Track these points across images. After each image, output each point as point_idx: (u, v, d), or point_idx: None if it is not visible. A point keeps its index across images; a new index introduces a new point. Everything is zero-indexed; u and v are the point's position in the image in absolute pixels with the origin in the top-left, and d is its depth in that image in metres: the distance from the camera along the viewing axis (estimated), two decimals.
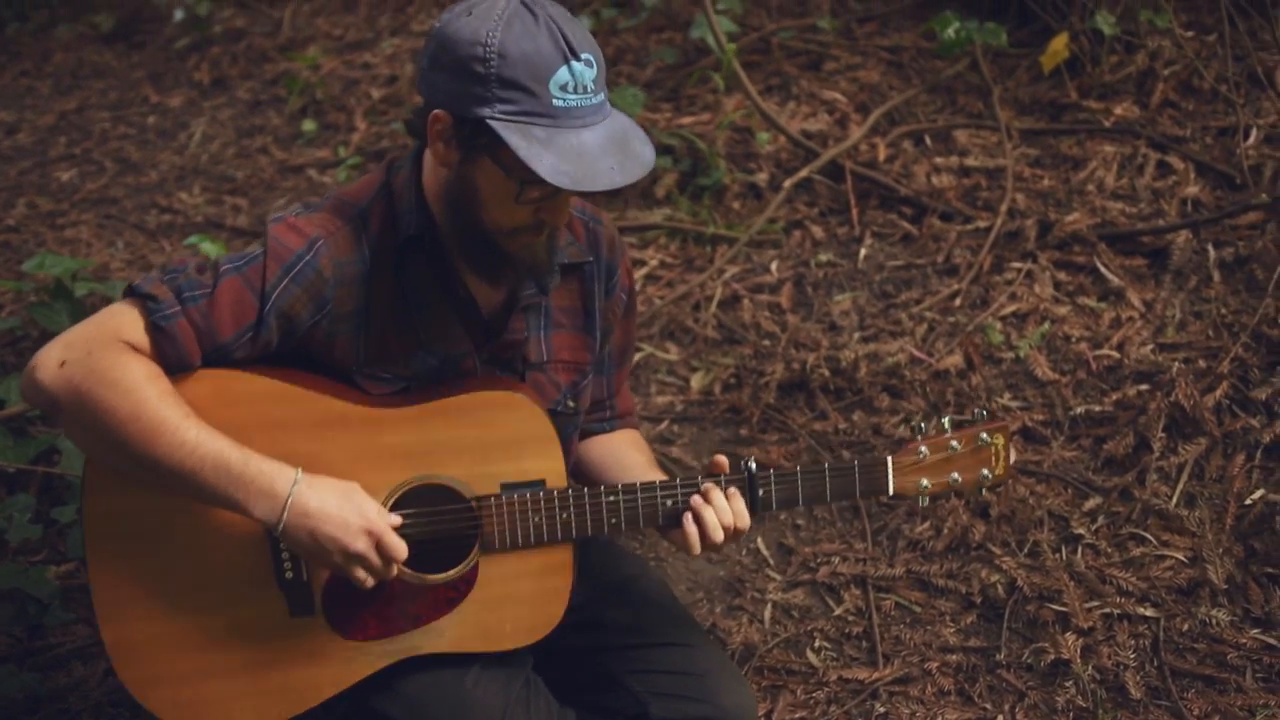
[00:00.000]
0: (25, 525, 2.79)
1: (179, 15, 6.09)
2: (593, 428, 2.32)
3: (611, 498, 2.02)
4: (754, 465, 2.06)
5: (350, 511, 1.87)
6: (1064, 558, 2.90)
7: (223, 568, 1.96)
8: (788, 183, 4.04)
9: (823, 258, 3.89)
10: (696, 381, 3.59)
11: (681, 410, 3.54)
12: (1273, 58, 3.96)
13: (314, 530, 1.86)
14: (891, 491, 2.13)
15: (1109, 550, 2.89)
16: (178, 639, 1.97)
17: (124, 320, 1.87)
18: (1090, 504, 3.00)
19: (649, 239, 4.13)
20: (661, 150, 4.37)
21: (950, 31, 4.24)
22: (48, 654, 2.77)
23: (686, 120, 4.52)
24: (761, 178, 4.22)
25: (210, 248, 4.06)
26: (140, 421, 1.81)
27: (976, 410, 2.25)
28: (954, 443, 2.16)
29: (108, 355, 1.83)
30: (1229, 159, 3.78)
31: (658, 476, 2.18)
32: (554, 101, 1.78)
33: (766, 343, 3.63)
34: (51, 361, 1.83)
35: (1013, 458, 2.24)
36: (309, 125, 5.20)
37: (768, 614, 2.93)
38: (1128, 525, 2.93)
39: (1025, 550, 2.94)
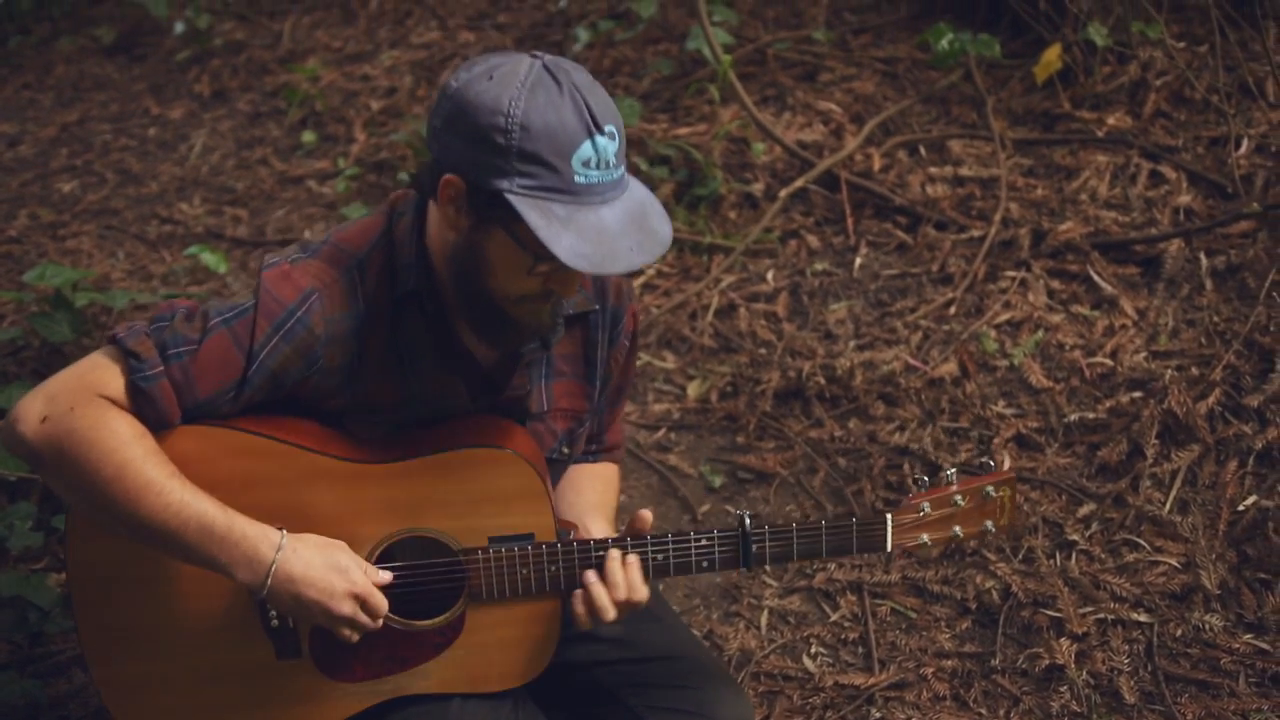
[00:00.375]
0: (26, 533, 2.81)
1: (180, 28, 6.12)
2: (577, 459, 2.28)
3: (600, 552, 1.99)
4: (749, 520, 2.02)
5: (335, 575, 1.86)
6: (1058, 564, 2.92)
7: (209, 614, 1.96)
8: (783, 192, 4.08)
9: (818, 267, 3.92)
10: (693, 390, 3.62)
11: (679, 418, 3.56)
12: (1263, 68, 3.99)
13: (298, 595, 1.84)
14: (890, 549, 2.08)
15: (1103, 556, 2.91)
16: (166, 678, 1.98)
17: (105, 375, 1.83)
18: (1084, 510, 3.02)
19: None
20: (658, 161, 4.40)
21: (944, 43, 4.27)
22: (48, 661, 2.79)
23: (683, 131, 4.55)
24: (757, 188, 4.25)
25: (210, 258, 4.09)
26: (124, 481, 1.78)
27: (984, 460, 2.19)
28: (958, 497, 2.09)
29: (90, 413, 1.79)
30: (1220, 168, 3.81)
31: (597, 519, 2.16)
32: (576, 178, 1.69)
33: (763, 351, 3.66)
34: (33, 416, 1.79)
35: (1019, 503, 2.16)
36: (309, 136, 5.23)
37: (764, 620, 2.95)
38: (1121, 531, 2.96)
39: (1020, 556, 2.96)
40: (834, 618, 2.93)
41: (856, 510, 3.15)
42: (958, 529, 2.11)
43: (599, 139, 1.69)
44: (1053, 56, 4.13)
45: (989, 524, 2.13)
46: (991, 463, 3.06)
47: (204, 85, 5.84)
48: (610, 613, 1.96)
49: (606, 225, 1.71)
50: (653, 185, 4.34)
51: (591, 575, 1.97)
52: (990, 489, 2.11)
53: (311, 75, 5.55)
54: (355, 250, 1.94)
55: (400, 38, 5.77)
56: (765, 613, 2.96)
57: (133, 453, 1.79)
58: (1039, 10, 4.34)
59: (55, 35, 6.66)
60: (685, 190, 4.32)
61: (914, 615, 2.90)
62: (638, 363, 3.68)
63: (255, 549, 1.82)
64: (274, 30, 6.13)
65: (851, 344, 3.62)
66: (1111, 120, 4.08)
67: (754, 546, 2.03)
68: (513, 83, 1.71)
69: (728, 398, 3.57)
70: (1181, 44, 4.23)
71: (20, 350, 3.77)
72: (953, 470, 2.13)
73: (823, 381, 3.47)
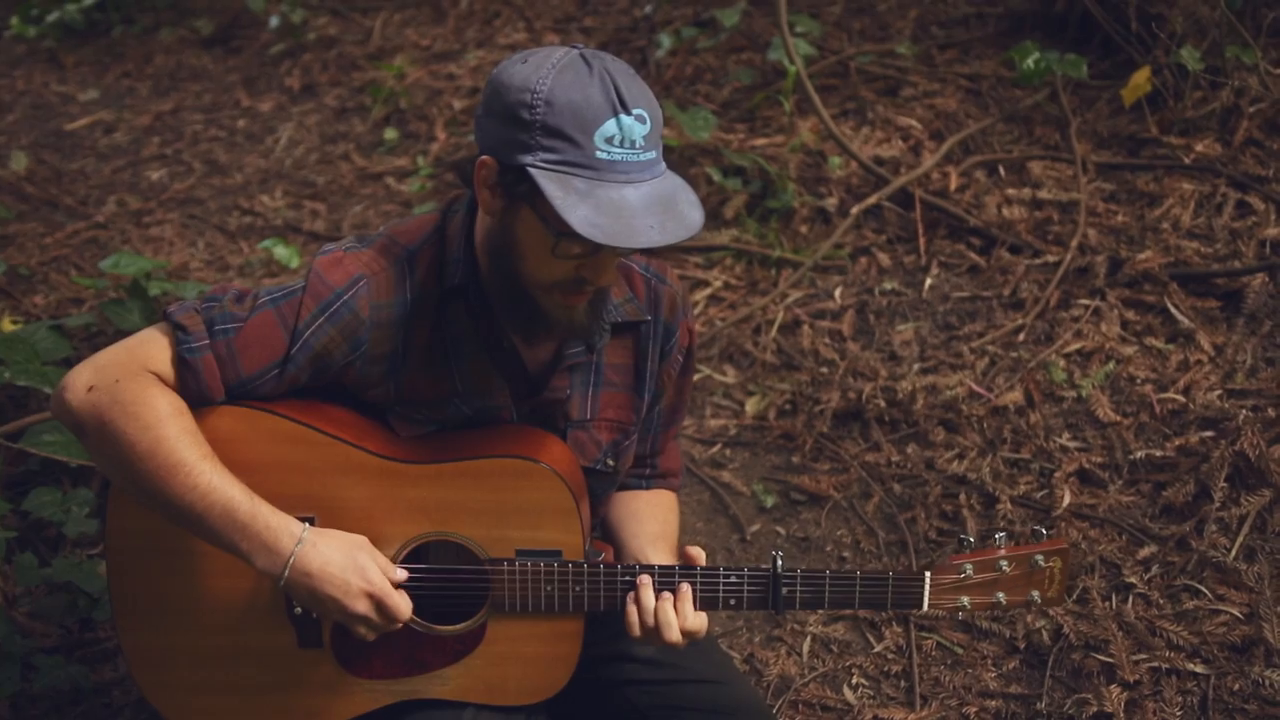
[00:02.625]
0: (83, 519, 2.87)
1: (275, 22, 6.22)
2: (629, 482, 2.28)
3: (627, 578, 1.99)
4: (780, 562, 1.99)
5: (352, 573, 1.87)
6: (1114, 606, 2.83)
7: (236, 595, 1.99)
8: (855, 209, 4.01)
9: (887, 286, 3.86)
10: (751, 406, 3.58)
11: (735, 434, 3.52)
12: None
13: (315, 590, 1.87)
14: (925, 609, 2.02)
15: (1161, 601, 2.82)
16: (190, 652, 2.01)
17: (153, 349, 1.88)
18: (1145, 552, 2.93)
19: (715, 260, 4.13)
20: (732, 172, 4.36)
21: (1030, 62, 4.17)
22: (96, 648, 2.85)
23: (760, 141, 4.50)
24: (831, 202, 4.19)
25: (283, 252, 4.15)
26: (156, 459, 1.81)
27: (1036, 528, 2.08)
28: (1004, 563, 2.00)
29: (133, 386, 1.83)
30: None
31: (662, 549, 2.14)
32: (598, 153, 1.72)
33: (824, 370, 3.61)
34: (80, 385, 1.84)
35: (1068, 582, 2.04)
36: (391, 134, 5.28)
37: (806, 647, 2.90)
38: (1182, 576, 2.86)
39: (1074, 596, 2.88)
40: (878, 649, 2.87)
41: (909, 540, 3.09)
42: (1001, 596, 2.03)
43: (624, 118, 1.71)
44: (1141, 79, 4.01)
45: (1035, 594, 2.03)
46: (1051, 497, 3.02)
47: (294, 79, 5.93)
48: (674, 633, 1.96)
49: (628, 202, 1.72)
50: (725, 196, 4.32)
51: (667, 596, 1.97)
52: (1039, 558, 2.01)
53: (398, 73, 5.61)
54: (407, 243, 1.98)
55: (487, 38, 5.80)
56: (808, 639, 2.92)
57: (168, 430, 1.83)
58: (1131, 31, 4.22)
59: (157, 26, 6.82)
60: (758, 202, 4.28)
61: (960, 651, 2.83)
62: (696, 376, 3.68)
63: (276, 540, 1.85)
64: (365, 26, 6.21)
65: (915, 367, 3.55)
66: (1200, 147, 3.95)
67: (784, 589, 2.00)
68: (545, 65, 1.75)
69: (786, 416, 3.53)
70: (1279, 70, 4.08)
71: (95, 336, 3.86)
72: (1002, 534, 2.04)
73: (883, 404, 3.40)
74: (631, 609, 1.98)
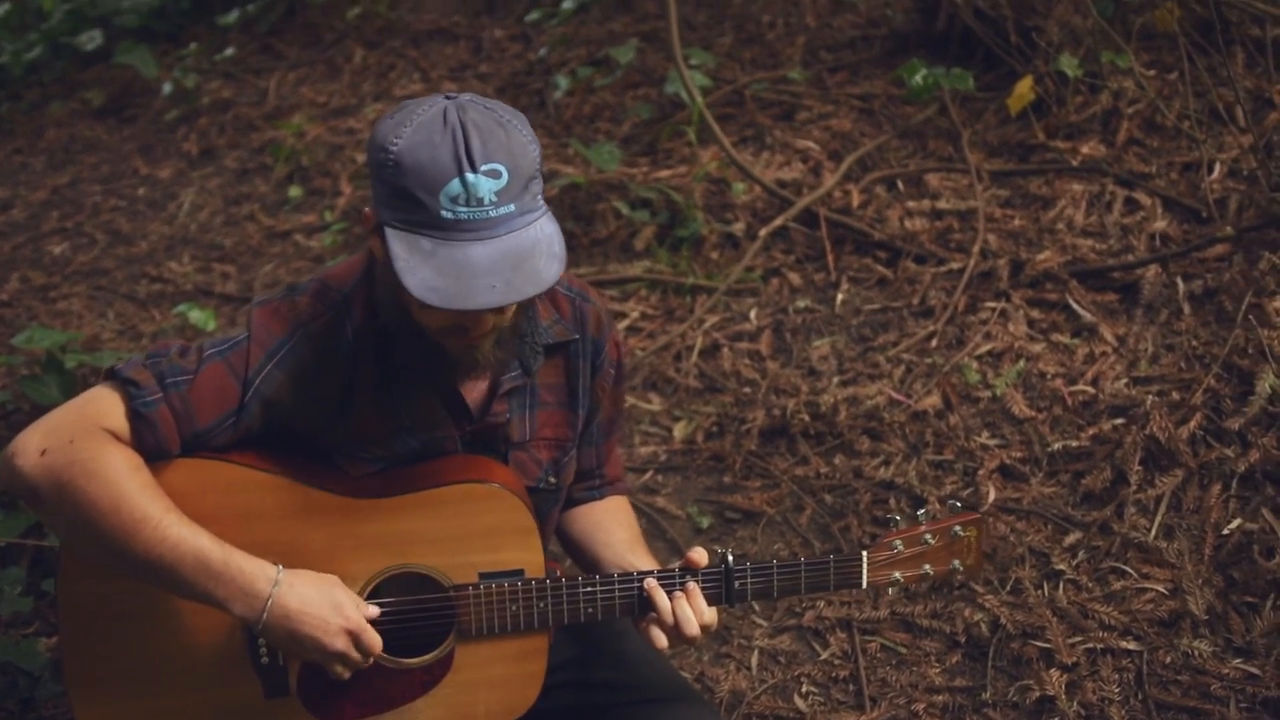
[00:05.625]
0: (16, 598, 2.83)
1: (168, 88, 6.18)
2: (582, 496, 2.32)
3: (589, 588, 2.03)
4: (731, 558, 2.07)
5: (329, 610, 1.89)
6: (1046, 594, 2.93)
7: (198, 651, 1.98)
8: (763, 231, 4.11)
9: (800, 304, 3.95)
10: (679, 431, 3.64)
11: (665, 460, 3.58)
12: (1232, 93, 4.02)
13: (293, 631, 1.88)
14: (864, 585, 2.15)
15: (1090, 585, 2.92)
16: (152, 718, 1.99)
17: (105, 406, 1.88)
18: (1070, 539, 3.03)
19: (629, 291, 4.20)
20: (639, 204, 4.44)
21: (918, 78, 4.32)
22: None
23: (664, 173, 4.59)
24: (738, 227, 4.29)
25: (198, 315, 4.14)
26: (121, 514, 1.81)
27: (951, 501, 2.26)
28: (928, 536, 2.17)
29: (90, 444, 1.83)
30: (1194, 193, 3.85)
31: (639, 552, 2.20)
32: (443, 213, 1.74)
33: (747, 390, 3.68)
34: (31, 449, 1.83)
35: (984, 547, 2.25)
36: (295, 191, 5.28)
37: (755, 660, 2.95)
38: (1108, 559, 2.97)
39: (1008, 588, 2.97)
40: (824, 656, 2.93)
41: (844, 547, 3.16)
42: (928, 567, 2.19)
43: (470, 176, 1.74)
44: (1025, 89, 4.17)
45: (956, 563, 2.21)
46: (976, 495, 3.12)
47: (192, 144, 5.89)
48: (693, 627, 2.01)
49: (472, 262, 1.74)
50: (635, 228, 4.39)
51: (680, 596, 2.02)
52: (958, 528, 2.20)
53: (297, 130, 5.61)
54: (341, 286, 2.01)
55: (384, 90, 5.83)
56: (756, 653, 2.97)
57: (130, 485, 1.83)
58: (1010, 44, 4.39)
59: (46, 100, 6.73)
60: (667, 232, 4.36)
61: (904, 651, 2.90)
62: (625, 404, 3.73)
63: (252, 584, 1.86)
64: (260, 87, 6.20)
65: (835, 380, 3.64)
66: (1085, 149, 4.12)
67: (737, 583, 2.08)
68: (406, 120, 1.79)
69: (713, 438, 3.59)
70: (1152, 72, 4.28)
71: (10, 414, 3.80)
72: (924, 511, 2.20)
73: (807, 419, 3.48)
74: (653, 613, 2.03)
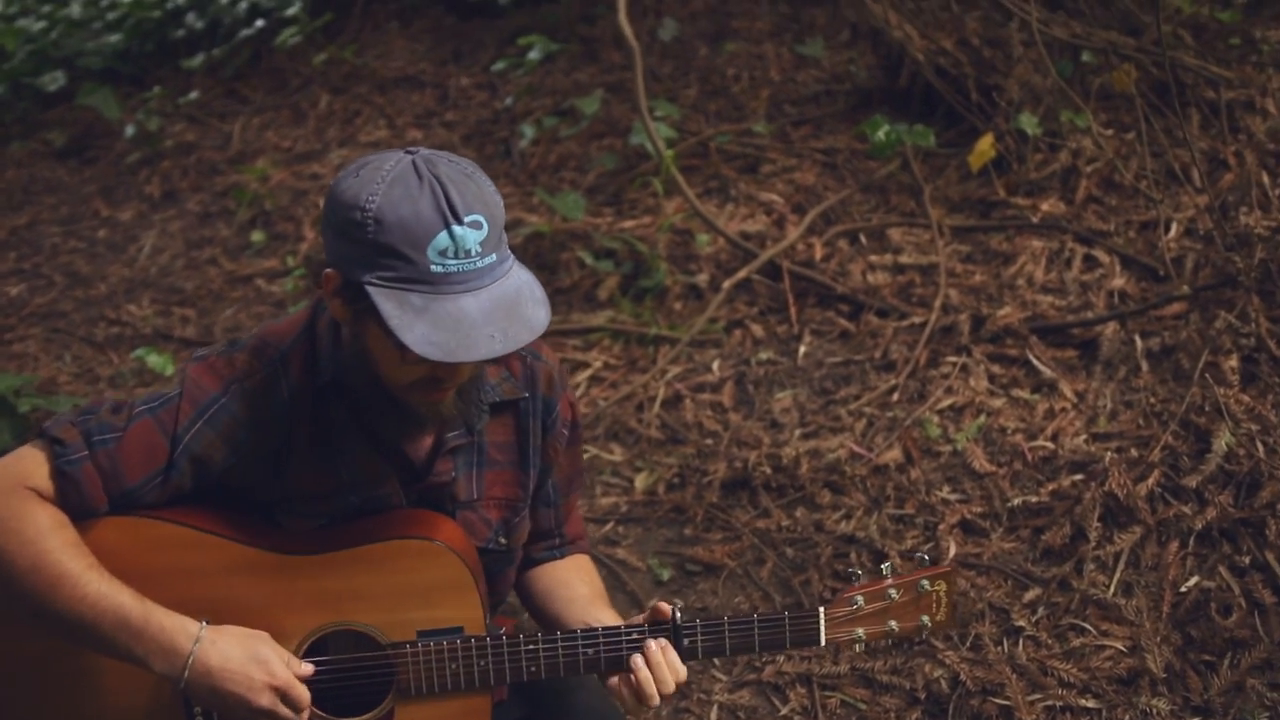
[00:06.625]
0: None
1: (130, 131, 6.15)
2: (542, 556, 2.29)
3: (530, 647, 1.99)
4: (679, 614, 2.02)
5: (254, 666, 1.86)
6: (1006, 650, 2.93)
7: (130, 708, 1.95)
8: (727, 283, 4.13)
9: (763, 356, 3.96)
10: (640, 482, 3.62)
11: (626, 511, 3.56)
12: (1188, 153, 4.09)
13: (216, 688, 1.85)
14: (823, 643, 2.08)
15: (1050, 642, 2.92)
16: None
17: (29, 464, 1.86)
18: (1030, 595, 3.04)
19: (593, 341, 4.19)
20: (603, 254, 4.45)
21: (881, 134, 4.36)
22: None
23: (628, 224, 4.61)
24: (702, 278, 4.30)
25: (156, 360, 4.10)
26: (40, 573, 1.79)
27: (919, 554, 2.19)
28: (892, 591, 2.09)
29: (11, 502, 1.81)
30: (1152, 252, 3.90)
31: (601, 608, 2.17)
32: (432, 267, 1.72)
33: (709, 441, 3.68)
34: None
35: (954, 605, 2.16)
36: (258, 236, 5.25)
37: (714, 716, 2.93)
38: (1067, 616, 2.97)
39: (968, 644, 2.96)
40: (784, 711, 2.91)
41: (805, 601, 3.15)
42: (893, 624, 2.11)
43: (457, 228, 1.73)
44: (986, 146, 4.23)
45: (925, 619, 2.12)
46: (937, 549, 3.12)
47: (154, 186, 5.86)
48: (670, 685, 1.97)
49: (467, 313, 1.73)
50: (598, 278, 4.39)
51: (639, 660, 1.98)
52: (925, 582, 2.11)
53: (260, 175, 5.59)
54: (279, 343, 1.99)
55: (349, 136, 5.83)
56: (715, 708, 2.95)
57: (51, 544, 1.81)
58: (971, 101, 4.45)
59: (6, 140, 6.68)
60: (631, 282, 4.37)
61: (863, 707, 2.89)
62: (584, 456, 3.71)
63: (172, 641, 1.84)
64: (224, 131, 6.18)
65: (797, 433, 3.64)
66: (1045, 206, 4.17)
67: (686, 640, 2.03)
68: (375, 177, 1.76)
69: (675, 489, 3.58)
70: (1110, 131, 4.34)
71: None
72: (888, 564, 2.13)
73: (769, 471, 3.48)
74: (629, 677, 1.98)
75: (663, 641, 2.00)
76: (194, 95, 6.42)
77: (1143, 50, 4.39)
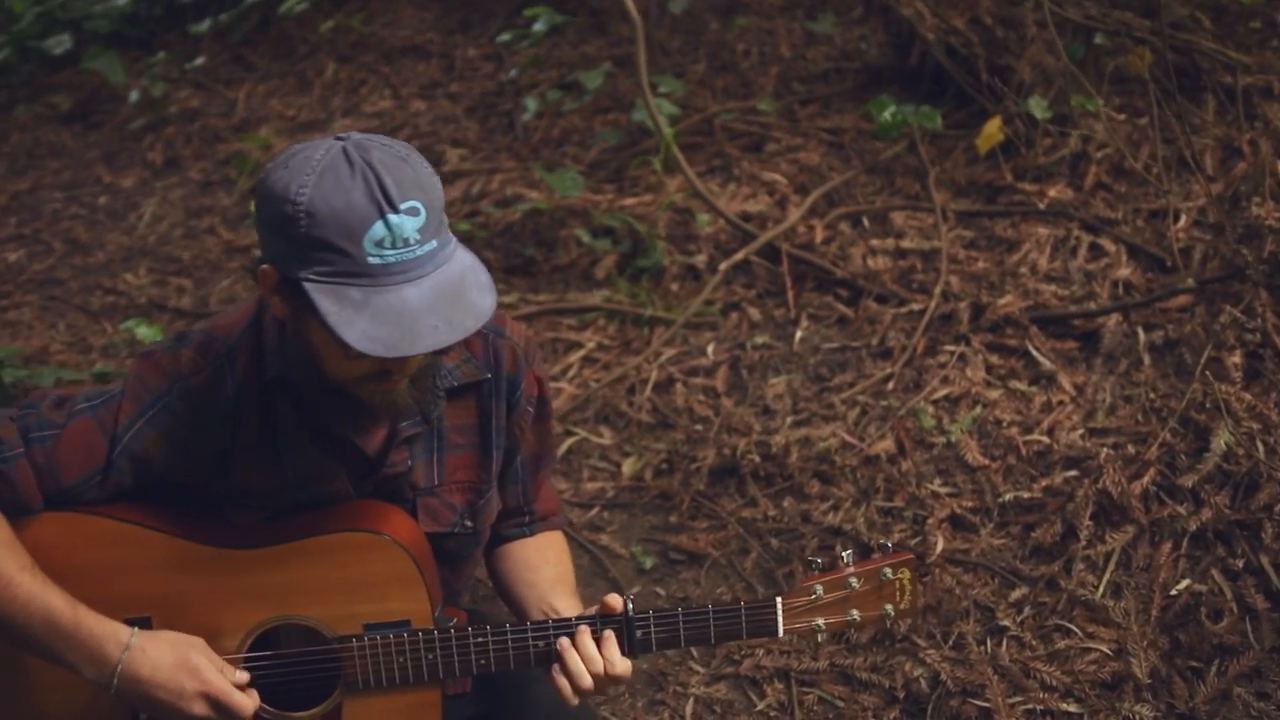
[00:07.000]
0: None
1: (135, 96, 6.10)
2: (511, 534, 2.25)
3: (480, 639, 1.96)
4: (631, 606, 1.97)
5: (185, 675, 1.84)
6: (989, 650, 2.86)
7: (74, 709, 1.94)
8: (723, 265, 4.05)
9: (759, 340, 3.88)
10: (628, 467, 3.57)
11: (613, 496, 3.50)
12: (1203, 140, 3.99)
13: (147, 696, 1.84)
14: (781, 633, 2.03)
15: (1034, 642, 2.85)
16: None
17: None
18: (1017, 594, 2.97)
19: (588, 320, 4.13)
20: (602, 232, 4.38)
21: (887, 115, 4.27)
22: None
23: (629, 201, 4.53)
24: (700, 259, 4.23)
25: (145, 332, 4.05)
26: None
27: (882, 542, 2.12)
28: (853, 579, 2.03)
29: None
30: (1160, 241, 3.80)
31: (563, 593, 2.14)
32: (369, 259, 1.67)
33: (699, 427, 3.61)
34: None
35: (920, 593, 2.12)
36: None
37: (689, 709, 2.88)
38: (1053, 616, 2.90)
39: (950, 643, 2.90)
40: (760, 706, 2.86)
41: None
42: (855, 613, 2.05)
43: (393, 217, 1.67)
44: (993, 129, 4.12)
45: (888, 608, 2.06)
46: (924, 544, 3.05)
47: (157, 153, 5.81)
48: (586, 680, 1.92)
49: (409, 305, 1.68)
50: (596, 257, 4.32)
51: (565, 643, 1.94)
52: (888, 570, 2.05)
53: (263, 144, 5.53)
54: (226, 338, 1.95)
55: (353, 106, 5.76)
56: (691, 701, 2.90)
57: None
58: (981, 82, 4.34)
59: (12, 103, 6.63)
60: (628, 262, 4.30)
61: (841, 704, 2.83)
62: (572, 439, 3.66)
63: (101, 648, 1.81)
64: (229, 98, 6.12)
65: (789, 420, 3.57)
66: (1053, 192, 4.07)
67: (639, 632, 1.98)
68: (304, 168, 1.70)
69: (663, 475, 3.52)
70: (1123, 116, 4.23)
71: None
72: (849, 552, 2.08)
73: (758, 459, 3.42)
74: (561, 680, 1.94)
75: (608, 633, 1.95)
76: (200, 61, 6.36)
77: (1158, 33, 4.27)
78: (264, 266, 1.77)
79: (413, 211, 1.69)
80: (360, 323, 1.67)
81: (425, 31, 6.21)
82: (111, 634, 1.82)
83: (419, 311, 1.68)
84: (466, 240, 4.48)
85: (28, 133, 6.33)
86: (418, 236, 1.70)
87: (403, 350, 1.68)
